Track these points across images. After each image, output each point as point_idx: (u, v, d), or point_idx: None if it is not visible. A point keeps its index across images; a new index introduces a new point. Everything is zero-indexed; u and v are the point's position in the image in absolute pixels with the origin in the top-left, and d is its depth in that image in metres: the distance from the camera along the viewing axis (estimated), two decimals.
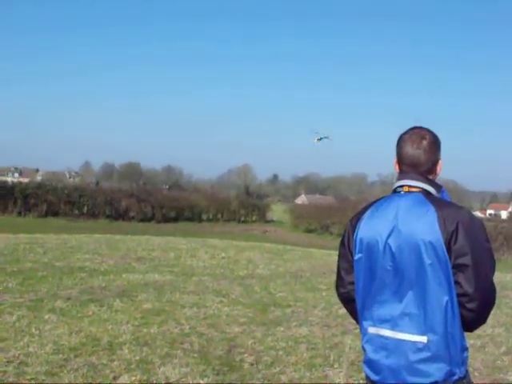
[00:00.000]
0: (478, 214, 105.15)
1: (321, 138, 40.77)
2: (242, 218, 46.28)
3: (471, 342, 7.78)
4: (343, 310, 3.28)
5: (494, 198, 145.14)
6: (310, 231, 40.45)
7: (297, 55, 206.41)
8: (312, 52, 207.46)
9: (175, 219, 41.39)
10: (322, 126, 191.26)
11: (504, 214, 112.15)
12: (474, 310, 2.75)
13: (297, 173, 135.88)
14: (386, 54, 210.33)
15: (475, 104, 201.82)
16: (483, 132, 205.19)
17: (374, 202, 3.05)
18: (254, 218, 47.58)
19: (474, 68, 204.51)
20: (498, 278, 15.07)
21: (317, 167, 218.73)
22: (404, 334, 2.78)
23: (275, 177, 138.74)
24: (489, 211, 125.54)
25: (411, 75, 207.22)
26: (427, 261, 2.73)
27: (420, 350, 2.74)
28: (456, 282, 2.73)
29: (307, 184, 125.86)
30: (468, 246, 2.71)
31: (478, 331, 7.81)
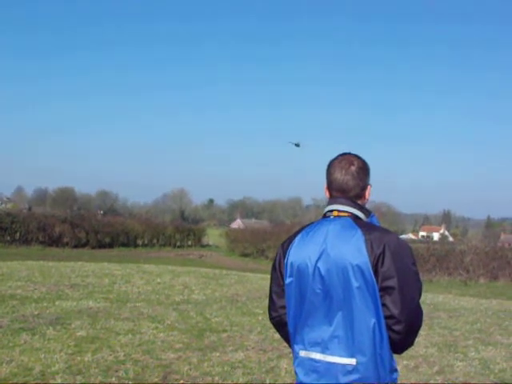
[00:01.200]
0: (410, 236, 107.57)
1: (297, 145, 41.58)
2: (178, 243, 45.88)
3: (404, 362, 7.92)
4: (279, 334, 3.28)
5: (426, 221, 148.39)
6: (245, 255, 40.42)
7: (232, 80, 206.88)
8: (246, 76, 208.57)
9: (110, 245, 40.70)
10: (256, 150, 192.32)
11: (436, 236, 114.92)
12: (401, 332, 2.80)
13: (232, 197, 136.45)
14: (319, 74, 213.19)
15: (408, 125, 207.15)
16: (415, 155, 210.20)
17: (305, 226, 3.08)
18: (189, 243, 47.26)
19: (401, 90, 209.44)
20: (431, 299, 15.44)
21: (252, 192, 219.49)
22: (334, 356, 2.80)
23: (211, 201, 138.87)
24: (421, 233, 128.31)
25: (338, 96, 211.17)
26: (355, 284, 2.76)
27: (349, 372, 2.77)
28: (383, 305, 2.77)
29: (243, 208, 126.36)
30: (394, 268, 2.76)
31: (410, 352, 8.08)
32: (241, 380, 6.94)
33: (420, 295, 2.92)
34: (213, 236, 50.75)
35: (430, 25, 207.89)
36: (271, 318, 3.18)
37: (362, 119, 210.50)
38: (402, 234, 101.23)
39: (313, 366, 2.87)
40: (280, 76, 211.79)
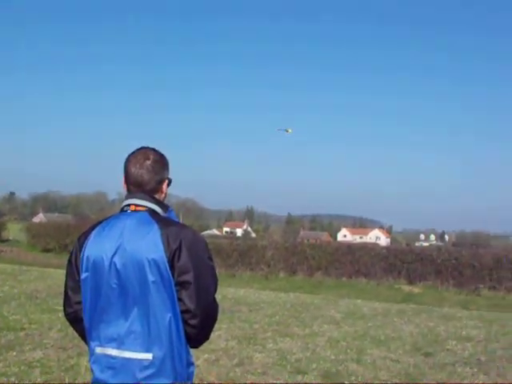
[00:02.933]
0: (214, 231, 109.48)
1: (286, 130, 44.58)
2: None
3: (205, 356, 8.04)
4: None
5: (229, 216, 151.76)
6: (47, 250, 38.88)
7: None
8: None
9: None
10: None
11: (239, 232, 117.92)
12: (197, 327, 2.83)
13: (35, 190, 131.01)
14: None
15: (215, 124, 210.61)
16: (220, 152, 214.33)
17: (102, 220, 3.03)
18: None
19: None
20: (232, 293, 15.81)
21: (57, 185, 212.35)
22: (130, 352, 2.78)
23: (12, 194, 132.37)
24: (225, 229, 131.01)
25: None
26: (151, 278, 2.75)
27: (146, 367, 2.76)
28: (179, 299, 2.78)
29: (46, 202, 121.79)
30: (190, 263, 2.78)
31: (211, 345, 8.21)
32: (39, 380, 6.69)
33: (216, 290, 2.96)
34: (14, 231, 48.38)
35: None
36: (66, 314, 3.07)
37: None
38: (206, 230, 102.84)
39: (109, 363, 2.82)
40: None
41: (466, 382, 7.83)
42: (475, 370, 8.41)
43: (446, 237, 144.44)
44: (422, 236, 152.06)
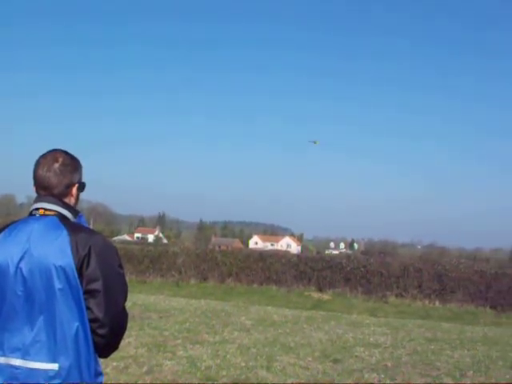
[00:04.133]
0: (126, 237, 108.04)
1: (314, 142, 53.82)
2: None
3: (114, 364, 7.88)
4: None
5: (141, 222, 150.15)
6: None
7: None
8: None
9: None
10: None
11: (151, 238, 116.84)
12: (105, 336, 2.74)
13: None
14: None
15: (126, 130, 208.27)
16: (132, 157, 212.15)
17: (9, 224, 2.91)
18: None
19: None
20: (143, 300, 15.61)
21: None
22: (35, 362, 2.65)
23: None
24: (136, 234, 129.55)
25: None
26: (58, 285, 2.64)
27: (52, 377, 2.64)
28: (88, 308, 2.69)
29: None
30: (100, 271, 2.70)
31: (121, 353, 8.05)
32: None
33: (126, 298, 2.89)
34: None
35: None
36: None
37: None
38: (117, 235, 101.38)
39: (13, 373, 2.68)
40: None
41: None
42: (382, 375, 8.59)
43: (356, 245, 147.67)
44: (332, 244, 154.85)
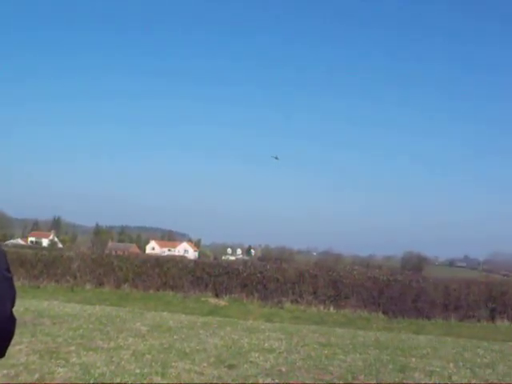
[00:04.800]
0: (19, 241, 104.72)
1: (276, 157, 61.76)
2: None
3: (5, 371, 7.64)
4: None
5: (35, 226, 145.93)
6: None
7: None
8: None
9: None
10: None
11: (45, 242, 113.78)
12: None
13: None
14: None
15: None
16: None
17: None
18: None
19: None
20: (35, 305, 15.19)
21: None
22: None
23: None
24: (30, 239, 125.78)
25: None
26: None
27: None
28: None
29: None
30: None
31: (11, 360, 7.84)
32: None
33: (13, 303, 2.75)
34: None
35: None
36: None
37: None
38: (10, 239, 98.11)
39: None
40: None
41: None
42: (276, 380, 8.73)
43: (253, 251, 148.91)
44: (230, 250, 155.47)
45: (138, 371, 8.65)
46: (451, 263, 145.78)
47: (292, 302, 23.53)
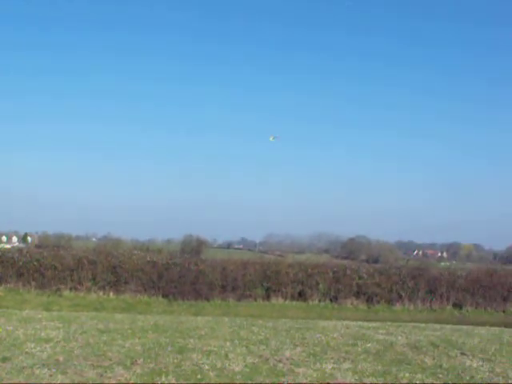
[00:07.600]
0: None
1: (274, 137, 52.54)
2: None
3: None
4: None
5: None
6: None
7: None
8: None
9: None
10: None
11: None
12: None
13: None
14: None
15: None
16: None
17: None
18: None
19: None
20: None
21: None
22: None
23: None
24: None
25: None
26: None
27: None
28: None
29: None
30: None
31: None
32: None
33: None
34: None
35: None
36: None
37: None
38: None
39: None
40: None
41: (44, 382, 7.91)
42: (53, 370, 8.54)
43: (30, 239, 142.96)
44: (4, 238, 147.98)
45: None
46: (229, 245, 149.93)
47: (71, 289, 23.09)
